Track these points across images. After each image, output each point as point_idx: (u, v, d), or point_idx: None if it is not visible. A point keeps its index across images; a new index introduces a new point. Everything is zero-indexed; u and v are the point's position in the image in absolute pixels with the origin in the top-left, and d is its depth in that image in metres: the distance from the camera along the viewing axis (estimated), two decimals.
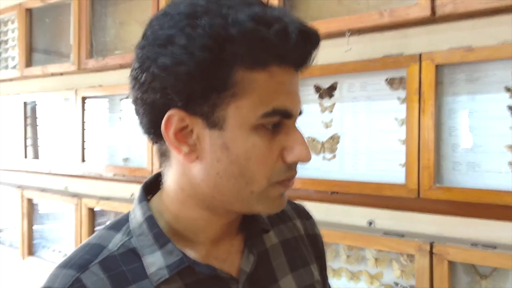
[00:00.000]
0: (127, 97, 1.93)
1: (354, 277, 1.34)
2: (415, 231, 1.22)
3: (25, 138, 2.31)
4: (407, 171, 1.19)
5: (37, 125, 2.34)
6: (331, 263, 1.37)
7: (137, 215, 0.64)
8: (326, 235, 1.30)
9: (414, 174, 1.17)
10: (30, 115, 2.33)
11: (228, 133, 0.56)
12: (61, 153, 2.18)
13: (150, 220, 0.62)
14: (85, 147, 2.03)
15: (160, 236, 0.61)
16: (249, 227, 0.68)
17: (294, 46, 0.54)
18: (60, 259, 2.16)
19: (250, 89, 0.55)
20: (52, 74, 2.11)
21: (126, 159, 1.93)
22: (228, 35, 0.52)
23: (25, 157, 2.31)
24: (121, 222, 0.65)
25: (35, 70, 2.15)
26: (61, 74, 2.08)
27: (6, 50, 2.41)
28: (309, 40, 0.56)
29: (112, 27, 1.94)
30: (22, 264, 2.36)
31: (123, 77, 1.87)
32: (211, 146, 0.57)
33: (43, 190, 2.23)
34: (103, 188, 2.00)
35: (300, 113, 0.61)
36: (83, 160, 2.03)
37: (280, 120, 0.57)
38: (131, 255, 0.61)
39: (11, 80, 2.36)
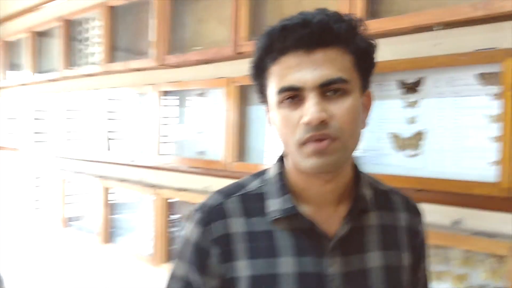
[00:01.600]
0: (203, 93, 1.99)
1: (436, 278, 1.30)
2: (505, 232, 1.17)
3: (107, 131, 2.43)
4: (500, 169, 1.14)
5: (117, 119, 2.45)
6: None
7: (271, 170, 0.85)
8: None
9: (508, 173, 1.12)
10: (111, 109, 2.45)
11: (270, 113, 0.81)
12: (139, 146, 2.28)
13: (279, 176, 0.83)
14: (161, 140, 2.11)
15: (282, 188, 0.81)
16: (353, 203, 0.81)
17: (288, 36, 0.72)
18: (134, 247, 2.27)
19: (271, 79, 0.76)
20: (133, 70, 2.20)
21: (201, 152, 1.99)
22: (260, 40, 0.78)
23: (108, 149, 2.43)
24: (261, 173, 0.87)
25: (117, 65, 2.26)
26: (141, 69, 2.17)
27: (88, 46, 2.54)
28: (306, 25, 0.72)
29: (191, 24, 1.99)
30: (101, 249, 2.49)
31: (201, 72, 1.93)
32: (272, 123, 0.80)
33: (122, 180, 2.35)
34: (178, 180, 2.07)
35: (326, 83, 0.72)
36: (160, 153, 2.10)
37: (294, 95, 0.73)
38: (260, 197, 0.82)
39: (93, 75, 2.49)
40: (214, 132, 1.93)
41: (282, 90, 0.74)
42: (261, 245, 0.78)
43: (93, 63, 2.48)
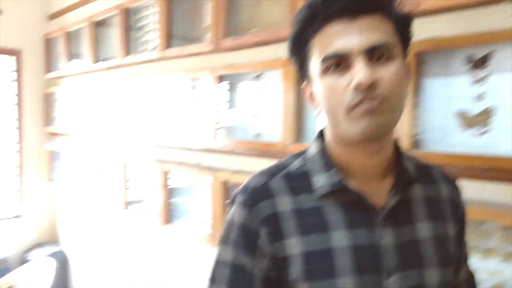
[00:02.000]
0: (260, 75, 1.99)
1: (508, 258, 1.26)
2: None
3: (165, 116, 2.50)
4: None
5: (174, 104, 2.51)
6: (481, 243, 1.31)
7: (312, 148, 0.85)
8: (477, 213, 1.24)
9: None
10: (168, 94, 2.51)
11: (311, 86, 0.80)
12: (195, 130, 2.33)
13: (322, 152, 0.83)
14: (218, 123, 2.14)
15: (327, 163, 0.81)
16: (398, 177, 0.81)
17: (331, 4, 0.73)
18: (193, 228, 2.33)
19: (314, 49, 0.76)
20: (189, 55, 2.24)
21: (257, 135, 2.01)
22: (301, 11, 0.78)
23: (165, 133, 2.49)
24: (301, 153, 0.87)
25: (173, 51, 2.30)
26: (197, 54, 2.20)
27: (145, 34, 2.61)
28: None
29: (247, 6, 2.00)
30: (161, 230, 2.58)
31: (257, 55, 1.94)
32: (316, 95, 0.80)
33: (180, 164, 2.41)
34: (235, 162, 2.10)
35: (374, 48, 0.72)
36: (216, 137, 2.14)
37: (339, 61, 0.73)
38: (304, 175, 0.82)
39: (150, 62, 2.56)
40: (270, 115, 1.94)
41: (328, 58, 0.74)
42: (311, 221, 0.78)
43: (150, 50, 2.55)
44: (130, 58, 2.70)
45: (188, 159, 2.39)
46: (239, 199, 0.82)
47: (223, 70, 2.08)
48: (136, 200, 2.87)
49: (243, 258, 0.80)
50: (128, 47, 2.73)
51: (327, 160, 0.81)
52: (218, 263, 0.83)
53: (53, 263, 2.61)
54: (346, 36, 0.73)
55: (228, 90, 2.15)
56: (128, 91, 2.85)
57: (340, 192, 0.79)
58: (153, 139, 2.59)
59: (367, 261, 0.76)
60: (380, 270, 0.77)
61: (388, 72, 0.73)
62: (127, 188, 2.85)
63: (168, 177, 2.50)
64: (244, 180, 0.85)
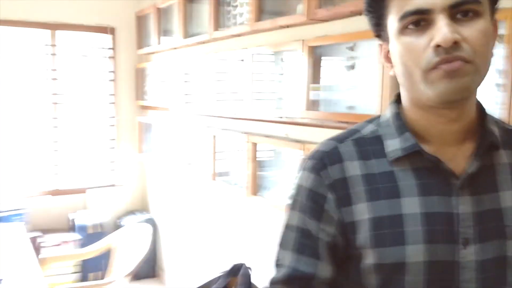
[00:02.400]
0: (352, 46, 1.94)
1: None
2: None
3: (253, 89, 2.53)
4: None
5: (263, 76, 2.53)
6: None
7: (387, 112, 0.83)
8: None
9: None
10: (258, 67, 2.53)
11: (387, 46, 0.77)
12: (284, 102, 2.33)
13: (396, 116, 0.80)
14: (309, 95, 2.12)
15: (401, 127, 0.78)
16: (481, 141, 0.76)
17: None
18: (280, 200, 2.36)
19: (392, 5, 0.72)
20: (281, 27, 2.23)
21: (351, 107, 1.97)
22: None
23: (254, 106, 2.52)
24: (375, 118, 0.85)
25: (265, 24, 2.30)
26: (290, 26, 2.19)
27: (237, 7, 2.63)
28: None
29: None
30: (248, 201, 2.64)
31: (352, 25, 1.88)
32: (392, 55, 0.77)
33: (268, 136, 2.44)
34: (327, 135, 2.07)
35: (458, 4, 0.67)
36: (307, 108, 2.13)
37: (419, 19, 0.69)
38: (376, 140, 0.80)
39: (241, 35, 2.59)
40: (364, 86, 1.88)
41: (407, 15, 0.69)
42: (382, 187, 0.76)
43: (240, 24, 2.57)
44: (220, 33, 2.74)
45: (276, 132, 2.40)
46: (308, 164, 0.82)
47: (315, 42, 2.05)
48: (223, 171, 2.96)
49: (309, 222, 0.80)
50: (218, 21, 2.77)
51: (401, 123, 0.78)
52: (286, 228, 0.84)
53: (149, 229, 2.77)
54: None
55: (319, 61, 2.12)
56: (217, 65, 2.91)
57: (415, 157, 0.76)
58: (241, 112, 2.64)
59: (441, 229, 0.73)
60: (455, 240, 0.73)
61: (473, 30, 0.68)
62: (216, 160, 2.94)
63: (256, 149, 2.54)
64: None
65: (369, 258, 0.75)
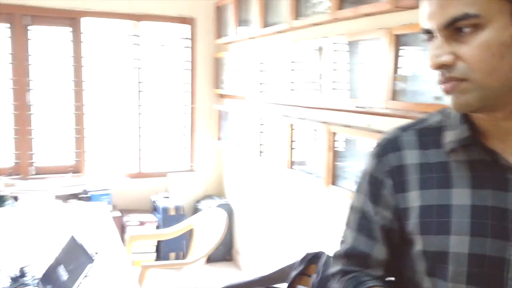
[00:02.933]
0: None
1: None
2: None
3: (333, 78, 2.52)
4: None
5: (344, 65, 2.51)
6: None
7: None
8: None
9: None
10: (337, 56, 2.51)
11: None
12: (365, 91, 2.30)
13: None
14: (391, 85, 2.08)
15: (462, 119, 0.78)
16: None
17: None
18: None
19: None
20: (363, 15, 2.20)
21: (438, 98, 1.90)
22: None
23: (334, 95, 2.51)
24: (446, 109, 0.84)
25: (347, 12, 2.28)
26: (373, 14, 2.14)
27: None
28: None
29: None
30: (326, 191, 2.65)
31: None
32: None
33: (347, 126, 2.42)
34: None
35: (450, 23, 0.68)
36: (388, 99, 2.09)
37: (430, 36, 0.72)
38: (438, 130, 0.82)
39: (321, 24, 2.58)
40: None
41: (423, 31, 0.74)
42: (434, 176, 0.78)
43: (320, 12, 2.55)
44: (299, 22, 2.75)
45: (357, 122, 2.38)
46: (374, 150, 0.88)
47: (401, 30, 1.99)
48: (299, 160, 2.98)
49: (368, 205, 0.86)
50: (298, 10, 2.78)
51: (464, 115, 0.78)
52: (351, 209, 0.91)
53: (224, 214, 2.88)
54: (428, 10, 0.71)
55: (403, 50, 2.06)
56: (293, 55, 2.92)
57: (472, 149, 0.76)
58: (319, 101, 2.63)
59: (491, 223, 0.72)
60: (507, 236, 0.71)
61: (471, 47, 0.67)
62: (292, 148, 2.97)
63: (334, 139, 2.54)
64: None
65: (418, 245, 0.79)
